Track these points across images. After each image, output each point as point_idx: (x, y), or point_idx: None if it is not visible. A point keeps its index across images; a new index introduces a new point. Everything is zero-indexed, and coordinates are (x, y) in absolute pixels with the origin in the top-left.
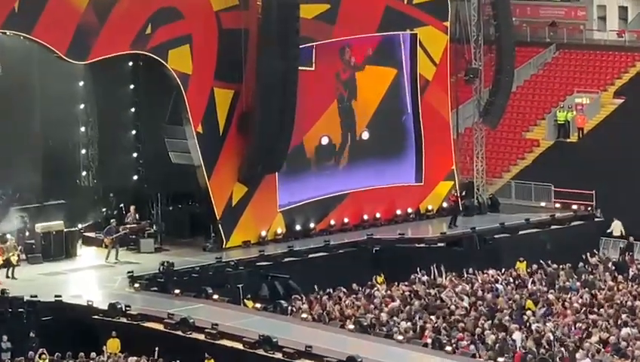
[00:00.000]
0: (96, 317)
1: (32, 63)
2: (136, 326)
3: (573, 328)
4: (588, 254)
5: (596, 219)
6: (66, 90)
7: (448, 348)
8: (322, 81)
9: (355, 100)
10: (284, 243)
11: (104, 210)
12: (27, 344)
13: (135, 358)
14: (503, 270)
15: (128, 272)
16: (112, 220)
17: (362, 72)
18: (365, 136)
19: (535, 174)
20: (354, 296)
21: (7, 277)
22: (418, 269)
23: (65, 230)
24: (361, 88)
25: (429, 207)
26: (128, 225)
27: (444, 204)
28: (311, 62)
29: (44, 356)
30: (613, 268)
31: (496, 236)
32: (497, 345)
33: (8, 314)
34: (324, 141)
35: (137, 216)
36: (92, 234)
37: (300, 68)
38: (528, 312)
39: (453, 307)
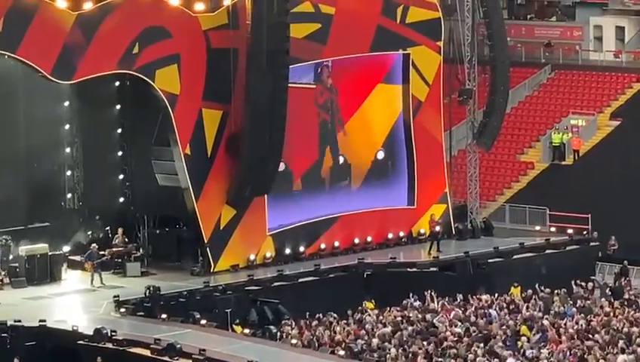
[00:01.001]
0: (81, 342)
1: (17, 83)
2: (122, 352)
3: (568, 354)
4: (574, 281)
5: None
6: (51, 110)
7: None
8: None
9: (341, 123)
10: (274, 268)
11: (90, 232)
12: None
13: None
14: (497, 295)
15: (114, 297)
16: (92, 244)
17: (375, 91)
18: (380, 155)
19: (530, 197)
20: (344, 321)
21: None
22: (410, 294)
23: (49, 253)
24: (371, 108)
25: (422, 231)
26: (114, 248)
27: (437, 228)
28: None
29: None
30: (610, 293)
31: (489, 260)
32: None
33: None
34: (341, 160)
35: (126, 238)
36: (77, 258)
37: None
38: (523, 338)
39: (446, 333)
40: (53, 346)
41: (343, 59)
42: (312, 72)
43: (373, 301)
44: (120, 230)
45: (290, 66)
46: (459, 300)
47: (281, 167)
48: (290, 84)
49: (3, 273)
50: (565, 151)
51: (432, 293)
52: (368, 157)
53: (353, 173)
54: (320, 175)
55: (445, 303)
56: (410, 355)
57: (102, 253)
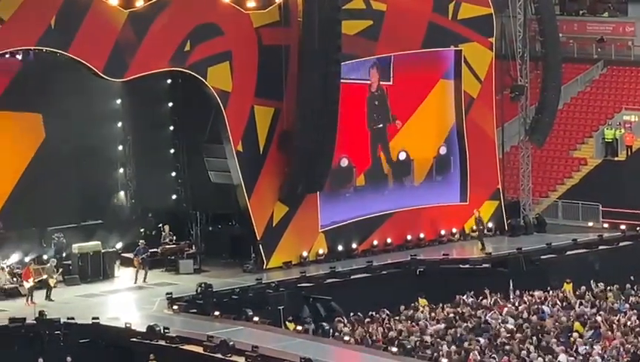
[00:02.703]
0: (134, 339)
1: (69, 81)
2: (175, 349)
3: (621, 350)
4: (594, 280)
5: None
6: (103, 108)
7: None
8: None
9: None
10: (326, 264)
11: (142, 230)
12: None
13: None
14: (550, 291)
15: (167, 294)
16: (140, 241)
17: (437, 87)
18: (443, 151)
19: (582, 193)
20: (397, 318)
21: (45, 299)
22: (465, 290)
23: (102, 251)
24: (433, 103)
25: (474, 227)
26: (167, 246)
27: (490, 224)
28: (389, 76)
29: None
30: None
31: (542, 257)
32: None
33: (46, 336)
34: (402, 156)
35: (173, 235)
36: (130, 255)
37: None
38: (575, 334)
39: (498, 329)
40: (106, 343)
41: (404, 54)
42: (373, 68)
43: (425, 297)
44: (167, 227)
45: (350, 62)
46: (512, 296)
47: (344, 162)
48: (351, 81)
49: (59, 270)
50: (618, 147)
51: (486, 291)
52: (430, 153)
53: (415, 169)
54: (382, 171)
55: (498, 299)
56: (463, 352)
57: (152, 249)
